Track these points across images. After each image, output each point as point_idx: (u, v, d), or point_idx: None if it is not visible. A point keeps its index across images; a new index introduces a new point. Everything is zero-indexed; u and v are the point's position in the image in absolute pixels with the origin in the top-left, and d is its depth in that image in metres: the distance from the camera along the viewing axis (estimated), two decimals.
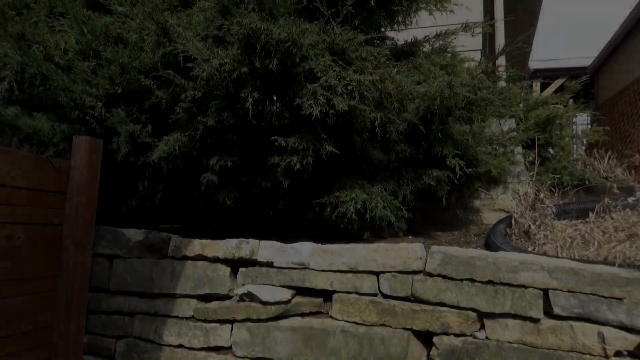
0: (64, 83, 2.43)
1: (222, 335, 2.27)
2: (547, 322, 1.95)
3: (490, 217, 3.54)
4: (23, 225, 2.03)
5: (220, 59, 2.18)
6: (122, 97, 2.53)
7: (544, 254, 2.47)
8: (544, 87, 9.62)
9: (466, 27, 2.84)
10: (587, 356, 1.87)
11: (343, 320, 2.17)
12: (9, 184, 1.95)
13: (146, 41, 2.40)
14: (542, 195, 3.06)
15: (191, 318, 2.34)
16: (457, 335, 2.04)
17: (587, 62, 10.48)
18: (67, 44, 2.59)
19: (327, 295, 2.27)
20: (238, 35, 2.13)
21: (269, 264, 2.28)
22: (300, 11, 2.42)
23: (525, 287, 1.97)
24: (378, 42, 3.06)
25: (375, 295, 2.17)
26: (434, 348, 2.05)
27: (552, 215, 2.95)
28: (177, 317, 2.35)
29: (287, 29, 2.07)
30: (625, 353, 1.83)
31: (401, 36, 3.20)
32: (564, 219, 3.03)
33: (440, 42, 3.23)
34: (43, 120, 2.69)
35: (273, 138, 2.40)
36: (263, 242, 2.30)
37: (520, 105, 4.54)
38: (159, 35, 2.32)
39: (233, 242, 2.32)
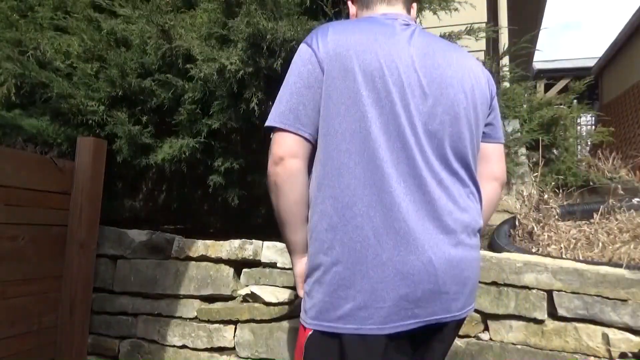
0: (66, 90, 2.43)
1: (225, 336, 2.27)
2: (551, 324, 1.95)
3: (493, 218, 3.52)
4: (27, 226, 2.04)
5: (226, 59, 2.17)
6: (124, 100, 2.54)
7: (548, 255, 2.46)
8: (548, 87, 9.59)
9: (470, 31, 2.82)
10: (592, 358, 1.86)
11: None
12: (12, 184, 1.96)
13: (149, 44, 2.40)
14: (546, 196, 3.05)
15: (194, 319, 2.34)
16: (460, 337, 2.04)
17: (591, 62, 10.44)
18: (70, 46, 2.60)
19: None
20: (243, 34, 2.13)
21: (273, 265, 2.28)
22: (304, 11, 2.42)
23: (529, 288, 1.97)
24: None
25: None
26: None
27: (556, 217, 2.93)
28: (180, 317, 2.36)
29: (292, 28, 2.07)
30: (629, 355, 1.82)
31: None
32: (568, 220, 3.02)
33: None
34: (46, 121, 2.70)
35: None
36: (266, 243, 2.30)
37: (524, 106, 4.52)
38: (159, 37, 2.32)
39: (236, 242, 2.32)
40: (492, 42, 6.09)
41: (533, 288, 1.96)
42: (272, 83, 2.36)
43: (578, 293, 1.91)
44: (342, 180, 0.98)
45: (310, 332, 1.00)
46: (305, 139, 1.03)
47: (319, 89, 1.02)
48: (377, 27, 1.08)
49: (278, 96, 1.06)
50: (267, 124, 1.05)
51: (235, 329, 2.28)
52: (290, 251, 1.14)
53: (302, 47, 1.07)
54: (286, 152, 1.02)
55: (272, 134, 1.06)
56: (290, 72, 1.07)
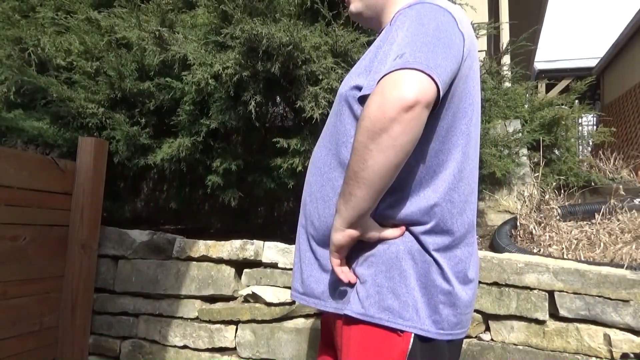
0: (65, 94, 2.44)
1: (226, 336, 2.27)
2: (552, 324, 1.94)
3: (495, 219, 3.52)
4: (28, 226, 2.04)
5: (221, 64, 2.18)
6: (123, 102, 2.54)
7: (550, 255, 2.46)
8: (549, 87, 9.58)
9: None
10: (593, 358, 1.86)
11: None
12: (14, 185, 1.96)
13: (147, 49, 2.41)
14: (547, 196, 3.05)
15: (196, 319, 2.34)
16: None
17: (593, 62, 10.44)
18: (71, 44, 2.60)
19: None
20: (240, 39, 2.13)
21: (274, 265, 2.28)
22: (302, 14, 2.42)
23: (530, 288, 1.96)
24: None
25: None
26: None
27: (558, 217, 2.93)
28: (181, 318, 2.36)
29: (288, 33, 2.07)
30: (631, 355, 1.82)
31: None
32: (570, 221, 3.02)
33: None
34: (46, 124, 2.71)
35: (275, 139, 2.40)
36: (267, 243, 2.30)
37: (526, 106, 4.51)
38: (154, 44, 2.33)
39: (237, 243, 2.32)
40: (494, 43, 6.09)
41: (534, 288, 1.96)
42: (270, 85, 2.36)
43: (579, 293, 1.91)
44: (460, 185, 0.93)
45: (411, 338, 0.88)
46: (435, 106, 0.83)
47: (456, 72, 0.88)
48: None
49: (425, 43, 0.82)
50: (417, 66, 0.78)
51: (237, 329, 2.28)
52: (349, 218, 0.88)
53: (447, 14, 0.88)
54: (424, 97, 0.77)
55: (389, 74, 0.80)
56: (437, 29, 0.85)
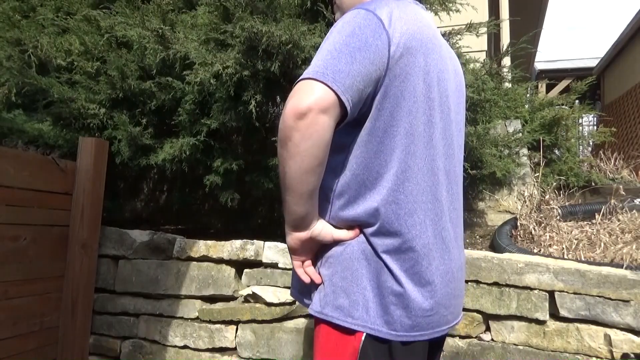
0: (67, 94, 2.44)
1: (227, 336, 2.27)
2: (553, 324, 1.94)
3: (495, 219, 3.52)
4: (29, 226, 2.04)
5: (221, 63, 2.18)
6: (124, 101, 2.54)
7: (550, 255, 2.46)
8: (549, 88, 9.58)
9: (471, 27, 2.82)
10: (594, 359, 1.86)
11: None
12: (14, 185, 1.96)
13: (147, 48, 2.41)
14: (547, 196, 3.05)
15: (196, 319, 2.34)
16: (462, 337, 2.03)
17: (593, 62, 10.43)
18: (71, 45, 2.60)
19: None
20: (240, 38, 2.13)
21: (274, 265, 2.28)
22: (302, 14, 2.42)
23: (530, 288, 1.96)
24: None
25: None
26: None
27: (558, 217, 2.93)
28: (182, 318, 2.36)
29: (288, 31, 2.07)
30: (632, 355, 1.82)
31: None
32: (570, 221, 3.02)
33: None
34: (47, 125, 2.71)
35: (275, 139, 2.40)
36: (267, 243, 2.30)
37: (526, 106, 4.51)
38: (156, 43, 2.33)
39: (237, 243, 2.32)
40: (494, 43, 6.09)
41: (535, 289, 1.96)
42: (270, 85, 2.36)
43: (580, 294, 1.91)
44: (406, 186, 0.92)
45: (362, 337, 0.90)
46: (346, 111, 0.85)
47: (379, 73, 0.87)
48: (429, 18, 1.01)
49: (331, 51, 0.86)
50: (313, 76, 0.83)
51: (237, 329, 2.28)
52: (290, 222, 0.95)
53: (369, 16, 0.89)
54: (315, 104, 0.81)
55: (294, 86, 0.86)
56: (351, 34, 0.87)
